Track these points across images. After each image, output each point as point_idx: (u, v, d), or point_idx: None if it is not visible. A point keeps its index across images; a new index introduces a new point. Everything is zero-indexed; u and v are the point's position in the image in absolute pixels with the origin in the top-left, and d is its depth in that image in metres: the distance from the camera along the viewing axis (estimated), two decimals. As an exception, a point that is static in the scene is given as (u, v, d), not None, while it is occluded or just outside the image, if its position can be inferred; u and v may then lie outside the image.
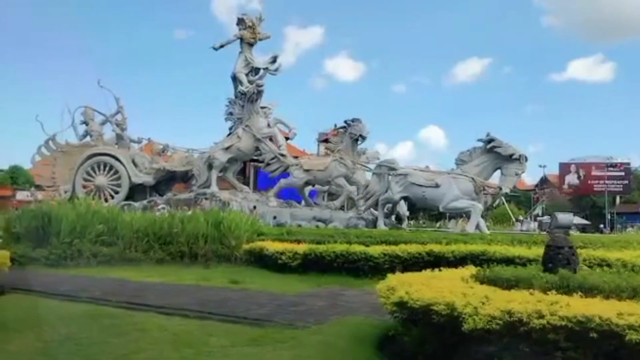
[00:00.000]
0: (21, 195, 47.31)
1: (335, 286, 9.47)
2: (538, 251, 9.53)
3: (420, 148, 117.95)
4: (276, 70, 25.68)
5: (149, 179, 25.35)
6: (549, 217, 28.82)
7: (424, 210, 37.26)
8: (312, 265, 10.76)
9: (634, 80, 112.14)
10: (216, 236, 12.83)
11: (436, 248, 10.21)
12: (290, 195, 26.19)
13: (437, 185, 18.34)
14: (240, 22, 25.78)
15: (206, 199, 23.69)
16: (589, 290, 4.34)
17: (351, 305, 7.62)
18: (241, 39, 25.76)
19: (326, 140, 60.46)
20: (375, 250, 10.46)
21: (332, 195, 27.69)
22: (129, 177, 24.88)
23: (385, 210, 20.67)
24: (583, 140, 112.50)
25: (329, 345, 5.41)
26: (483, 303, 4.13)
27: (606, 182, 53.02)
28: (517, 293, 4.34)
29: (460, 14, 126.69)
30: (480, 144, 18.30)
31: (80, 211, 12.87)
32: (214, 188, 24.02)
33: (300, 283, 9.70)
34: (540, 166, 58.35)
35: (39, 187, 32.38)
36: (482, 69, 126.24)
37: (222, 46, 25.92)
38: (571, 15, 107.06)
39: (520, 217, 36.10)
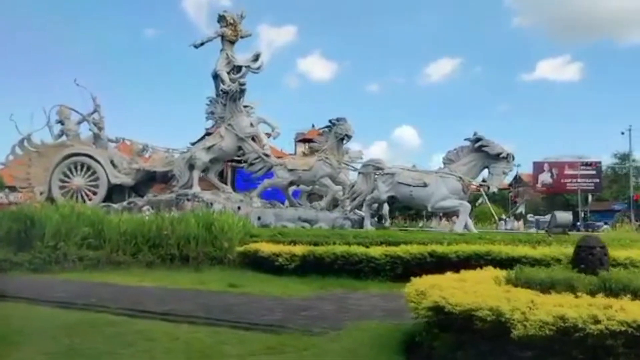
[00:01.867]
0: (-10, 196, 45.97)
1: (339, 289, 9.23)
2: (544, 251, 9.50)
3: (394, 148, 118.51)
4: (258, 68, 25.28)
5: (128, 180, 24.73)
6: (544, 216, 29.07)
7: (403, 210, 37.43)
8: (311, 267, 10.49)
9: (601, 80, 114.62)
10: (207, 238, 12.45)
11: (439, 249, 10.04)
12: (273, 196, 25.88)
13: (425, 185, 18.25)
14: (222, 19, 25.33)
15: (188, 199, 23.19)
16: (634, 293, 4.20)
17: (361, 309, 7.38)
18: (222, 37, 25.33)
19: (304, 140, 60.65)
20: (376, 251, 10.24)
21: (312, 196, 27.50)
22: (108, 178, 24.21)
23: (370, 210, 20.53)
24: (553, 139, 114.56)
25: (353, 353, 5.17)
26: (530, 308, 3.95)
27: (579, 180, 53.96)
28: (562, 297, 4.17)
29: (431, 15, 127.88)
30: (468, 143, 18.28)
31: (64, 213, 12.37)
32: (196, 188, 23.54)
33: (301, 286, 9.42)
34: (514, 165, 58.99)
35: (12, 189, 31.44)
36: (453, 69, 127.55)
37: (202, 43, 25.42)
38: (540, 16, 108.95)
39: (503, 216, 36.41)
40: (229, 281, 9.95)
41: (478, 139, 17.75)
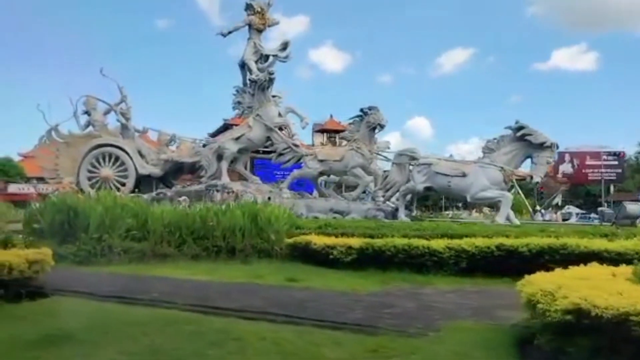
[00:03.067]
0: (13, 188, 45.93)
1: (403, 284, 8.75)
2: (624, 244, 8.98)
3: (408, 139, 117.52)
4: (286, 57, 24.87)
5: (156, 171, 24.44)
6: (608, 207, 28.19)
7: (420, 200, 36.76)
8: (368, 260, 10.03)
9: (617, 70, 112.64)
10: (253, 230, 12.05)
11: (507, 242, 9.51)
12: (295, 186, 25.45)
13: (463, 175, 17.74)
14: (249, 7, 24.89)
15: (217, 190, 22.83)
16: None
17: (443, 307, 6.92)
18: (249, 25, 24.91)
19: (323, 131, 59.83)
20: (439, 244, 9.74)
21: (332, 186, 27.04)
22: (136, 169, 23.95)
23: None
24: (568, 129, 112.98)
25: (466, 357, 4.74)
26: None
27: (602, 170, 53.14)
28: None
29: (444, 4, 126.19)
30: (509, 132, 17.72)
31: (107, 204, 12.01)
32: (225, 179, 23.21)
33: (362, 280, 8.97)
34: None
35: (40, 180, 31.26)
36: (466, 59, 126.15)
37: (230, 32, 25.06)
38: (555, 5, 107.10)
39: (537, 207, 35.69)
40: (284, 275, 9.54)
41: (520, 127, 17.19)
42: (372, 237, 10.80)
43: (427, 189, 19.16)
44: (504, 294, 6.85)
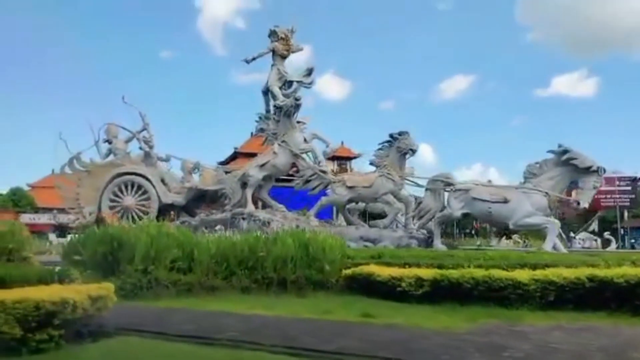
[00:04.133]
0: (25, 218, 45.14)
1: (494, 320, 7.90)
2: None
3: (410, 165, 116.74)
4: (310, 83, 24.34)
5: (179, 199, 23.76)
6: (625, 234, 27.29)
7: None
8: (442, 293, 9.23)
9: (618, 95, 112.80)
10: (305, 260, 11.30)
11: (600, 272, 8.69)
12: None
13: (505, 201, 17.04)
14: (273, 34, 24.50)
15: (244, 219, 22.13)
16: None
17: (566, 348, 6.10)
18: (273, 51, 24.49)
19: (334, 158, 59.49)
20: (522, 275, 8.94)
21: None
22: (159, 197, 23.27)
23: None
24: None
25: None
26: None
27: (615, 196, 52.39)
28: None
29: (444, 32, 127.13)
30: (551, 156, 17.10)
31: (152, 234, 11.28)
32: (250, 207, 22.50)
33: (446, 317, 8.12)
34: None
35: (61, 210, 30.51)
36: (467, 86, 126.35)
37: (254, 59, 24.55)
38: (554, 32, 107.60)
39: (572, 234, 34.81)
40: (352, 309, 8.76)
41: (564, 152, 16.58)
42: (439, 267, 10.04)
43: (465, 215, 18.45)
44: (616, 331, 6.09)
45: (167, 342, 6.62)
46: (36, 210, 48.00)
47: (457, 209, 18.09)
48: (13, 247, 14.22)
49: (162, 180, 23.85)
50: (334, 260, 11.33)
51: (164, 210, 24.08)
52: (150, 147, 24.26)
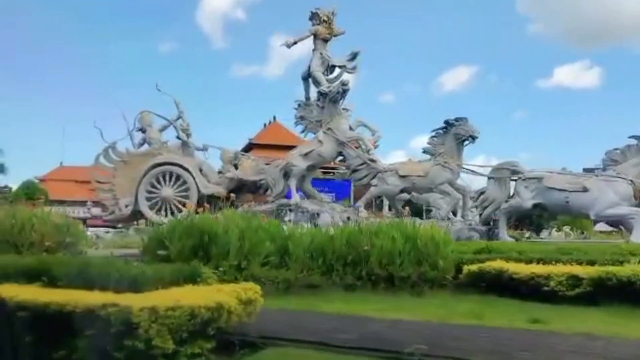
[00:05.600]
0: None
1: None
2: None
3: (412, 157, 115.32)
4: (354, 68, 23.02)
5: (220, 190, 22.39)
6: None
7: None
8: (603, 294, 7.97)
9: (621, 85, 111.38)
10: (413, 255, 10.06)
11: None
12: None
13: (585, 190, 15.84)
14: (314, 16, 23.12)
15: (290, 210, 20.88)
16: None
17: None
18: (315, 35, 23.13)
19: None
20: None
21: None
22: (198, 188, 21.96)
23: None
24: (572, 146, 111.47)
25: None
26: None
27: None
28: None
29: (446, 23, 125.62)
30: (634, 142, 15.89)
31: (243, 227, 10.02)
32: (296, 198, 21.23)
33: (634, 323, 6.91)
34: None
35: (96, 203, 29.11)
36: (469, 77, 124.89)
37: (295, 43, 23.20)
38: (556, 23, 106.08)
39: None
40: (498, 311, 7.55)
41: (651, 136, 15.37)
42: (591, 263, 8.79)
43: (535, 206, 17.22)
44: None
45: (342, 356, 5.37)
46: (50, 203, 46.58)
47: (527, 199, 16.90)
48: (70, 241, 13.03)
49: (201, 171, 22.55)
50: (447, 255, 10.08)
51: (201, 202, 22.76)
52: (188, 136, 22.95)
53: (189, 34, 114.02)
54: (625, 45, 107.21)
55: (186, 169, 21.97)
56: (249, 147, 51.81)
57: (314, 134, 22.67)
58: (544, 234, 25.58)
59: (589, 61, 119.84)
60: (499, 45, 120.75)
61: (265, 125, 63.37)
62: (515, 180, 17.76)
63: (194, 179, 21.97)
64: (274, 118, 61.36)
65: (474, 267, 9.60)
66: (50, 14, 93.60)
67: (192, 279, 6.43)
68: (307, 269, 10.22)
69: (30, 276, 6.37)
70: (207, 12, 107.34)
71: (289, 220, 19.45)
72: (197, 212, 11.24)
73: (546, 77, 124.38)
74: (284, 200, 21.09)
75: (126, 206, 21.86)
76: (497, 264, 9.27)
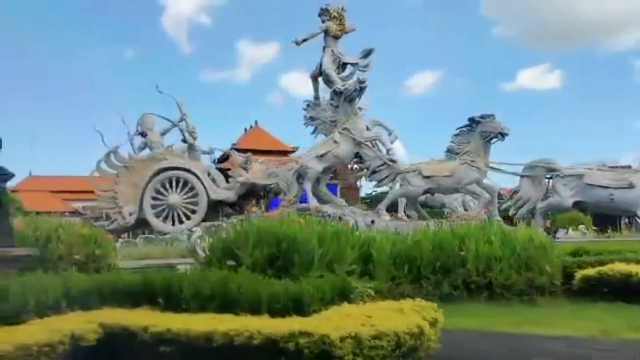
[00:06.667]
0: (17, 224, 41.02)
1: None
2: None
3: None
4: (366, 66, 21.90)
5: (230, 195, 20.99)
6: None
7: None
8: None
9: (582, 87, 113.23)
10: (513, 260, 8.94)
11: None
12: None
13: (631, 186, 15.09)
14: (324, 12, 21.94)
15: (309, 215, 19.57)
16: None
17: None
18: (325, 32, 21.96)
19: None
20: None
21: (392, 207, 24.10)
22: (207, 194, 20.47)
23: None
24: (536, 148, 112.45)
25: None
26: None
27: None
28: None
29: (410, 28, 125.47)
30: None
31: (320, 232, 8.75)
32: (314, 202, 19.95)
33: None
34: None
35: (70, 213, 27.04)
36: (434, 81, 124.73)
37: (304, 40, 21.94)
38: (519, 26, 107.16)
39: None
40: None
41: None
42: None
43: (576, 204, 16.41)
44: None
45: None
46: (25, 214, 43.86)
47: (567, 197, 16.10)
48: (99, 253, 11.55)
49: (209, 175, 21.07)
50: (553, 260, 9.00)
51: (210, 209, 21.23)
52: (194, 139, 21.41)
53: (154, 39, 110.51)
54: (586, 48, 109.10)
55: (194, 174, 20.47)
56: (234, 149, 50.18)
57: (325, 135, 21.51)
58: (560, 233, 24.99)
59: (550, 64, 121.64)
60: (464, 48, 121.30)
61: (245, 129, 61.71)
62: (551, 178, 16.92)
63: (202, 184, 20.48)
64: (256, 122, 59.81)
65: (590, 272, 8.52)
66: (14, 18, 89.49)
67: (345, 295, 5.14)
68: (392, 277, 9.00)
69: (134, 297, 4.98)
70: (172, 16, 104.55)
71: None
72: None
73: (510, 80, 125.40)
74: (303, 205, 19.79)
75: (130, 214, 20.17)
76: (621, 267, 8.23)
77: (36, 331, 3.85)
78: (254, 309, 4.41)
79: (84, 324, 4.19)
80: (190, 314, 4.47)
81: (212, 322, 4.00)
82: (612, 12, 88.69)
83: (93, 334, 4.09)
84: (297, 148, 41.18)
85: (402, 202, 23.12)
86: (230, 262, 8.41)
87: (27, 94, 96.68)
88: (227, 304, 4.61)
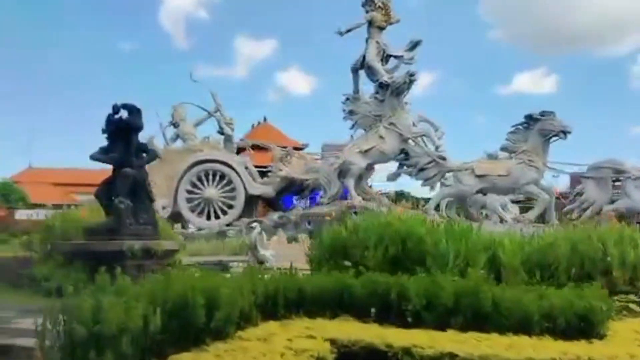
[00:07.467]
0: (21, 215, 39.41)
1: None
2: None
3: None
4: (411, 59, 20.83)
5: (268, 190, 19.84)
6: None
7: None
8: None
9: (578, 92, 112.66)
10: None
11: None
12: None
13: None
14: (369, 2, 20.82)
15: (356, 213, 18.39)
16: None
17: None
18: (370, 22, 20.83)
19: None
20: None
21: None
22: (245, 188, 19.30)
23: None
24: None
25: None
26: None
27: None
28: None
29: (407, 29, 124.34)
30: None
31: (452, 232, 7.60)
32: (358, 200, 18.82)
33: None
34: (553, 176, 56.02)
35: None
36: (430, 82, 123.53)
37: (349, 31, 20.81)
38: (515, 29, 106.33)
39: None
40: None
41: None
42: None
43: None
44: None
45: None
46: (33, 206, 42.31)
47: (640, 200, 15.03)
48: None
49: (246, 168, 19.89)
50: None
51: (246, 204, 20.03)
52: (232, 130, 20.20)
53: (150, 33, 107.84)
54: (580, 53, 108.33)
55: (232, 167, 19.28)
56: (242, 148, 49.00)
57: (365, 130, 20.38)
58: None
59: (546, 68, 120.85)
60: (460, 51, 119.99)
61: (253, 125, 60.41)
62: (619, 180, 15.91)
63: (240, 178, 19.31)
64: (264, 119, 58.54)
65: None
66: (10, 11, 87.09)
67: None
68: (524, 284, 7.83)
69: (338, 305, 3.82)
70: (170, 11, 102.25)
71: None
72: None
73: (506, 84, 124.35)
74: (347, 202, 18.64)
75: (163, 208, 18.88)
76: None
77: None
78: (522, 327, 3.27)
79: (320, 342, 3.03)
80: (434, 331, 3.33)
81: (495, 344, 2.86)
82: (608, 17, 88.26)
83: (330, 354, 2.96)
84: (306, 145, 39.83)
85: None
86: (346, 263, 7.24)
87: (25, 86, 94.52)
88: (478, 319, 3.45)
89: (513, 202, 23.28)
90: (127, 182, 6.47)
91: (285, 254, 14.00)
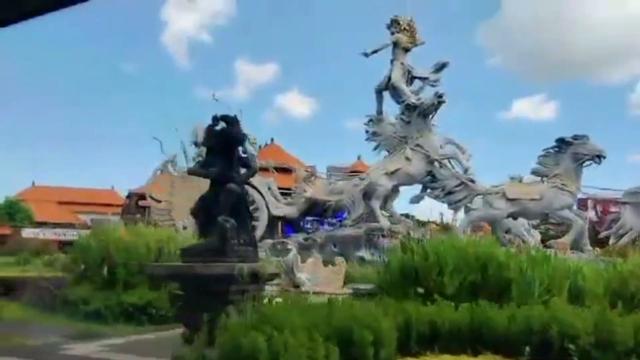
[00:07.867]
0: (27, 233, 38.72)
1: None
2: None
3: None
4: (436, 81, 20.53)
5: (292, 211, 19.33)
6: None
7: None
8: None
9: (576, 119, 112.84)
10: None
11: None
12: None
13: None
14: (394, 24, 20.61)
15: (383, 235, 17.91)
16: None
17: None
18: (395, 44, 20.58)
19: (351, 172, 55.61)
20: None
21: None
22: (268, 209, 18.79)
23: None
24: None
25: None
26: None
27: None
28: None
29: (410, 53, 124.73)
30: None
31: (534, 258, 7.11)
32: (384, 222, 18.32)
33: None
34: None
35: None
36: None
37: (374, 52, 20.56)
38: (515, 55, 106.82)
39: None
40: None
41: None
42: None
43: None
44: None
45: None
46: (38, 224, 41.66)
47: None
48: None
49: (269, 189, 19.40)
50: None
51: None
52: (255, 149, 19.77)
53: (153, 55, 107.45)
54: (579, 80, 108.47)
55: (254, 187, 18.75)
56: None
57: (388, 151, 19.97)
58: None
59: (545, 95, 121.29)
60: (460, 76, 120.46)
61: (260, 147, 59.93)
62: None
63: (263, 198, 18.81)
64: (272, 140, 58.22)
65: None
66: (13, 32, 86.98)
67: None
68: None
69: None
70: (173, 33, 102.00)
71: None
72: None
73: (506, 109, 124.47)
74: (374, 224, 18.12)
75: (183, 228, 18.34)
76: None
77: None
78: None
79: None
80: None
81: None
82: (607, 45, 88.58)
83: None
84: (313, 167, 39.55)
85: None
86: (419, 290, 6.73)
87: (28, 106, 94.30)
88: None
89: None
90: (231, 199, 5.91)
91: (315, 277, 13.45)
